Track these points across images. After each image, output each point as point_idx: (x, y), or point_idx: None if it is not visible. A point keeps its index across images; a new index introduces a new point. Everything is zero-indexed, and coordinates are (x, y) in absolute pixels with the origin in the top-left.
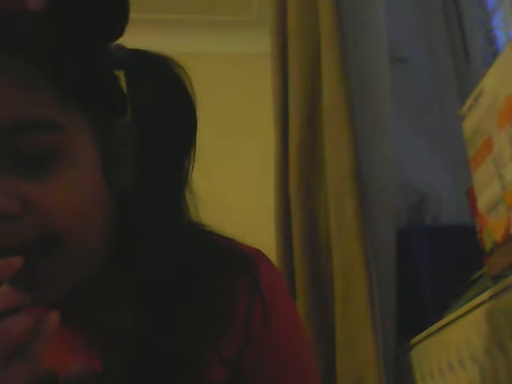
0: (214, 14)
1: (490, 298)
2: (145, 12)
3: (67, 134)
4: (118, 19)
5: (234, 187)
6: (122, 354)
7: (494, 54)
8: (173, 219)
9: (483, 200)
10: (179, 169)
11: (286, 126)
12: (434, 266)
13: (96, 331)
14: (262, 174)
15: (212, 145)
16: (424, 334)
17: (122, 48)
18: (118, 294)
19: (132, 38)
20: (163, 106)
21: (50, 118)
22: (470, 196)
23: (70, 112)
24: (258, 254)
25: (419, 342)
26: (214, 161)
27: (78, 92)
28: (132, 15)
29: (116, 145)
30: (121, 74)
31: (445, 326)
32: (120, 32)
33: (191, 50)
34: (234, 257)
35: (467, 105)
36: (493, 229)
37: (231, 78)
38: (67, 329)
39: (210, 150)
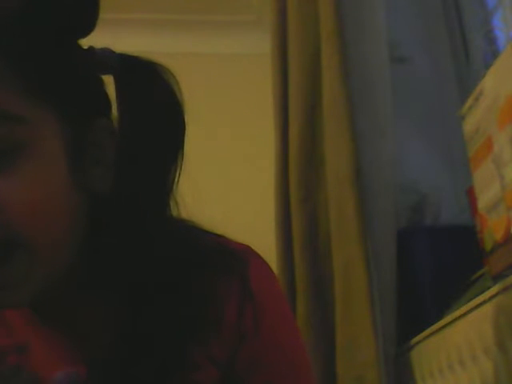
0: (214, 13)
1: (490, 298)
2: (144, 12)
3: (30, 129)
4: (87, 14)
5: (233, 187)
6: (108, 356)
7: (494, 53)
8: (155, 220)
9: (483, 200)
10: (165, 173)
11: (286, 126)
12: (434, 265)
13: (81, 335)
14: (262, 174)
15: (211, 144)
16: (424, 334)
17: (108, 51)
18: (101, 296)
19: (132, 38)
20: (151, 112)
21: (11, 111)
22: (470, 196)
23: (36, 106)
24: (249, 251)
25: (419, 341)
26: (213, 160)
27: (46, 87)
28: (132, 15)
29: (89, 145)
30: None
31: (445, 325)
32: (89, 27)
33: (191, 50)
34: (224, 255)
35: (467, 105)
36: (493, 229)
37: (231, 78)
38: (52, 334)
39: (209, 150)
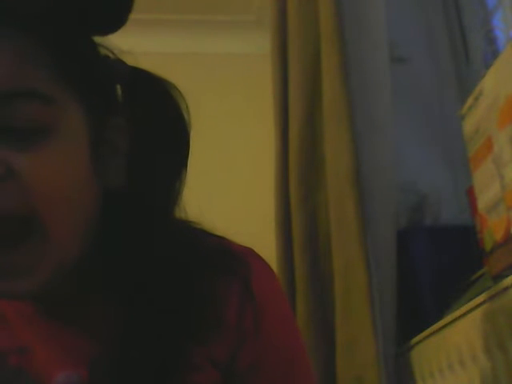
0: (214, 13)
1: (490, 298)
2: (145, 12)
3: (58, 111)
4: (121, 6)
5: (233, 187)
6: (108, 357)
7: (494, 53)
8: (157, 220)
9: (483, 200)
10: (170, 186)
11: (286, 126)
12: (433, 265)
13: (81, 335)
14: (262, 174)
15: (212, 145)
16: (424, 334)
17: (122, 63)
18: (101, 295)
19: (132, 38)
20: (155, 127)
21: (43, 91)
22: (470, 196)
23: (65, 91)
24: (250, 253)
25: (419, 341)
26: (212, 160)
27: (75, 75)
28: (132, 15)
29: (107, 139)
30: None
31: (445, 325)
32: (122, 20)
33: (191, 50)
34: (225, 257)
35: (467, 105)
36: (493, 229)
37: (231, 77)
38: (53, 336)
39: (209, 150)
